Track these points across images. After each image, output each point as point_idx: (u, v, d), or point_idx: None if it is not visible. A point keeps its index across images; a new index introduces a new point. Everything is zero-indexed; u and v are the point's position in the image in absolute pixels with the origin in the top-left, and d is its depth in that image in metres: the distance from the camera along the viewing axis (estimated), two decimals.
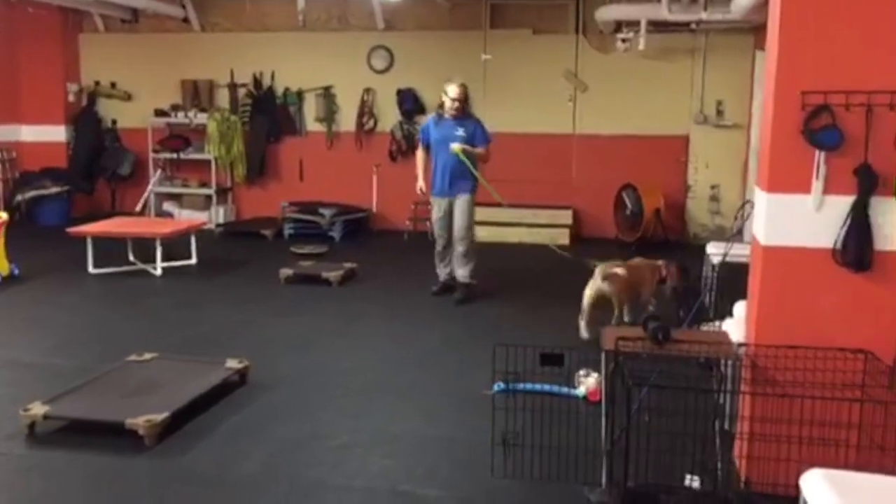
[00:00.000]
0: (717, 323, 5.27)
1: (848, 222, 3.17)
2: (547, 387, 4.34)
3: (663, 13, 8.14)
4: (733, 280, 5.48)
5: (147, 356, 4.79)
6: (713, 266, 6.21)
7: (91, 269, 7.40)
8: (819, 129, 3.12)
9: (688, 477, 3.32)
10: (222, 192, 10.46)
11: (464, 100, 6.47)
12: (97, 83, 10.75)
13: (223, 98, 10.49)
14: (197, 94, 10.47)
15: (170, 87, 10.49)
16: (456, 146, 6.37)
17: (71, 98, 10.64)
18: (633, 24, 8.64)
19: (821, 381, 3.17)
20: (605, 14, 8.70)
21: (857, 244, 3.17)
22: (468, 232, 6.55)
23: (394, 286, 7.21)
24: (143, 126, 10.47)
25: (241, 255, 8.55)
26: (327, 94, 10.28)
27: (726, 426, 3.50)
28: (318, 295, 6.88)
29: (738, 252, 5.63)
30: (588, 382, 4.44)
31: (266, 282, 7.26)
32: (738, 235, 5.68)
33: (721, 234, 8.53)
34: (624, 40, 8.87)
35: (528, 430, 3.38)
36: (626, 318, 5.38)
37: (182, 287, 7.16)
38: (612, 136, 9.62)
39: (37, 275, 7.31)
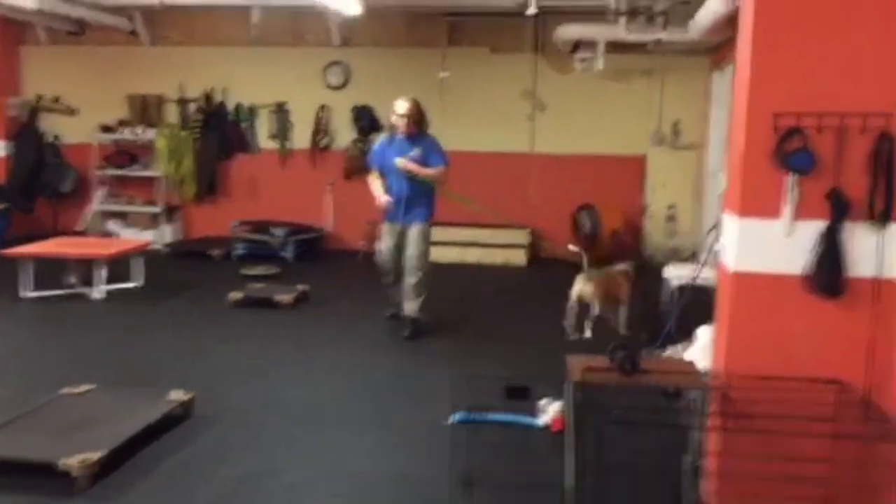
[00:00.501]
0: (678, 346, 5.20)
1: (819, 248, 3.08)
2: (508, 416, 4.18)
3: (621, 33, 8.19)
4: (693, 302, 5.43)
5: (83, 388, 4.49)
6: (674, 290, 6.17)
7: (25, 293, 7.02)
8: (791, 152, 3.03)
9: None
10: (170, 211, 10.13)
11: (416, 116, 5.99)
12: (39, 97, 10.36)
13: (172, 113, 10.21)
14: (145, 109, 10.18)
15: (117, 102, 10.19)
16: (399, 160, 5.95)
17: (12, 112, 10.22)
18: (591, 45, 8.67)
19: (792, 412, 3.06)
20: (564, 34, 8.68)
21: (828, 270, 3.08)
22: (421, 261, 6.05)
23: (347, 309, 7.00)
24: (87, 142, 10.12)
25: (188, 277, 8.24)
26: (281, 111, 10.07)
27: (696, 462, 3.37)
28: (268, 319, 6.63)
29: (697, 274, 5.64)
30: (550, 411, 4.30)
31: (214, 305, 6.98)
32: (692, 258, 5.66)
33: (677, 256, 8.53)
34: (582, 60, 8.90)
35: (490, 465, 3.20)
36: (596, 311, 6.14)
37: (124, 311, 6.82)
38: (570, 155, 9.59)
39: None
